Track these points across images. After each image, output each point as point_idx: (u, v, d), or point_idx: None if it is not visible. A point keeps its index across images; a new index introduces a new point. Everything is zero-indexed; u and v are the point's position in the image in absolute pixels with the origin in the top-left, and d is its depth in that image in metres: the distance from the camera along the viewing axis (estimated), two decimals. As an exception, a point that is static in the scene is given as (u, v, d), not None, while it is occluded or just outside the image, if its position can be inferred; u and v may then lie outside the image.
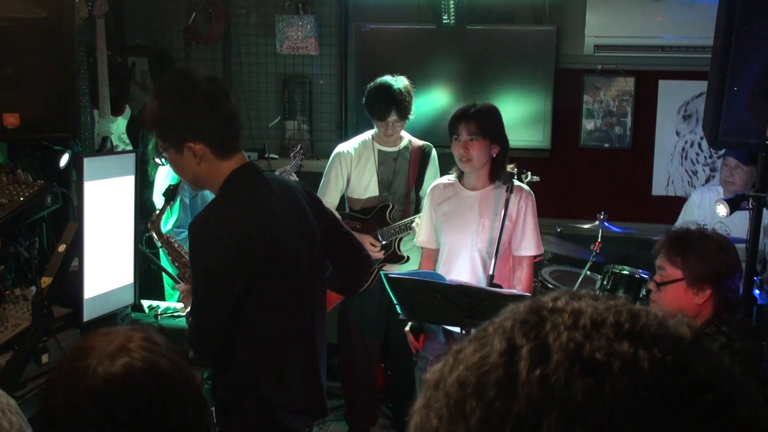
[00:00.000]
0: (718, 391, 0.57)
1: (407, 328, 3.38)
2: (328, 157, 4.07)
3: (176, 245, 2.77)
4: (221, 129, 2.29)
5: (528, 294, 3.16)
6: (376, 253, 3.86)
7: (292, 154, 4.34)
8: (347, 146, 4.00)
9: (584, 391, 0.55)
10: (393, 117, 3.79)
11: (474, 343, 0.63)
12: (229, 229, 2.24)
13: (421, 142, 4.03)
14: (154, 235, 2.74)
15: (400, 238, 3.95)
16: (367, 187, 3.96)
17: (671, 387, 0.56)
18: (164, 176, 3.89)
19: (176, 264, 2.76)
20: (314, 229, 2.49)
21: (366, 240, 3.83)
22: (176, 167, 2.38)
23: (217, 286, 2.26)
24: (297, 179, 4.18)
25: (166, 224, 3.64)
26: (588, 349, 0.57)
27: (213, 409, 2.48)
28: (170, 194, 2.63)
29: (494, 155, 3.23)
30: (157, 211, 2.74)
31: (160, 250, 3.60)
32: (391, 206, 3.93)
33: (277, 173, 4.16)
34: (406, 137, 4.01)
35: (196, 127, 2.25)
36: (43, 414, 1.28)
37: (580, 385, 0.55)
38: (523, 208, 3.25)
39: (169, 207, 2.83)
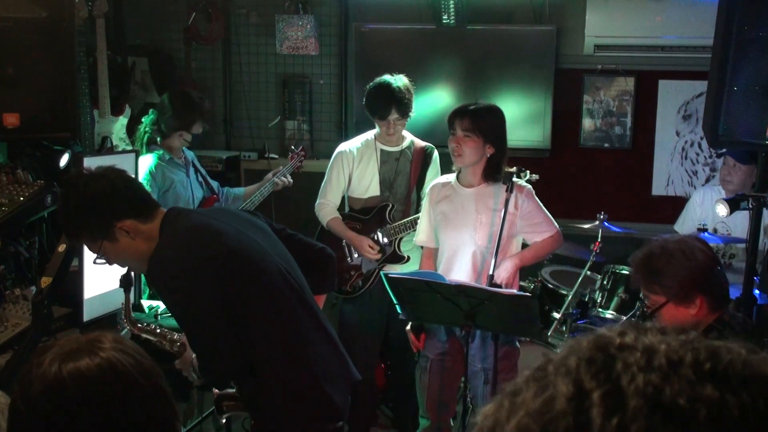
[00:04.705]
0: None
1: (408, 328, 3.40)
2: (328, 157, 4.07)
3: (153, 327, 2.65)
4: (134, 195, 2.29)
5: (528, 295, 3.15)
6: (374, 255, 3.87)
7: (290, 155, 4.32)
8: (349, 145, 4.00)
9: None
10: (394, 115, 3.79)
11: (533, 384, 0.57)
12: (181, 255, 2.25)
13: (423, 143, 4.02)
14: (132, 330, 2.61)
15: (401, 238, 3.95)
16: (368, 186, 3.96)
17: None
18: (145, 169, 3.77)
19: (159, 342, 2.62)
20: (267, 229, 2.51)
21: (365, 242, 3.84)
22: (118, 256, 2.32)
23: (197, 309, 2.25)
24: (291, 181, 4.19)
25: None
26: (668, 393, 0.51)
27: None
28: (125, 282, 2.53)
29: (489, 155, 3.24)
30: (124, 306, 2.60)
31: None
32: (391, 206, 3.93)
33: (270, 174, 4.17)
34: (409, 137, 4.01)
35: (112, 207, 2.24)
36: (9, 406, 1.34)
37: None
38: (523, 203, 3.26)
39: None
